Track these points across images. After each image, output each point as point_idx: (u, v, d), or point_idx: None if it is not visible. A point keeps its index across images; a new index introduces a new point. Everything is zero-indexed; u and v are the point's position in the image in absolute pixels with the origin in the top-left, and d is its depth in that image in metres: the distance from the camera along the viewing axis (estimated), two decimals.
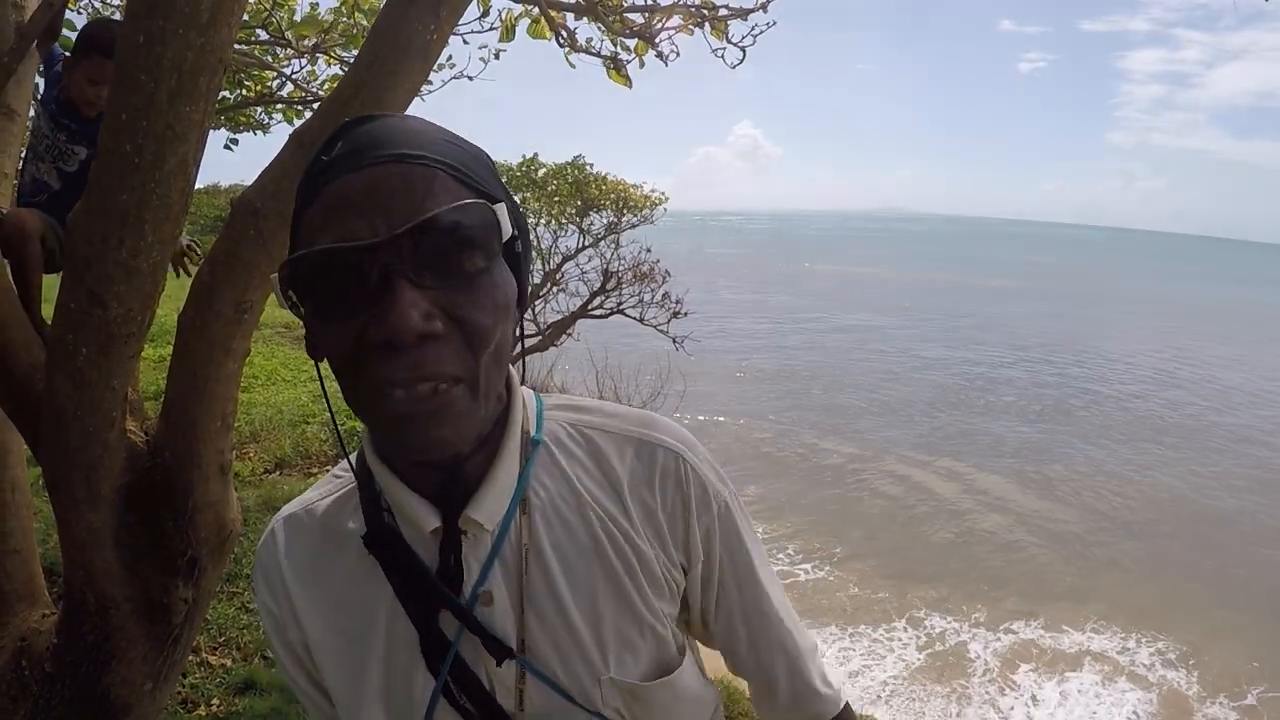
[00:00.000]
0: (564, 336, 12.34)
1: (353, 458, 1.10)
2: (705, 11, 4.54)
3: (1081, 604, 10.17)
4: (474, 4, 4.92)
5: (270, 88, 6.55)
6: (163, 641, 2.75)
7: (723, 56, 4.67)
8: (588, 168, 12.76)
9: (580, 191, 12.38)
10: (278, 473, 6.93)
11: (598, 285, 12.34)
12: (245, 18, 5.27)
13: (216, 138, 7.65)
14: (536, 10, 4.60)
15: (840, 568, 10.48)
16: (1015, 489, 14.39)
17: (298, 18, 5.70)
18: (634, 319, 12.34)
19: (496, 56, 5.88)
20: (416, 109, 6.48)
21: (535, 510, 1.03)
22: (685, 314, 12.35)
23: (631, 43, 4.70)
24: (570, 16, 4.58)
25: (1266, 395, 23.52)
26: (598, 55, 4.76)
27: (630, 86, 4.74)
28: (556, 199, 12.28)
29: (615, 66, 4.71)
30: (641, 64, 4.78)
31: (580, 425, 1.10)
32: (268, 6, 5.41)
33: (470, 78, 6.21)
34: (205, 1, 1.79)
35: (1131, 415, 20.58)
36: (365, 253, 0.82)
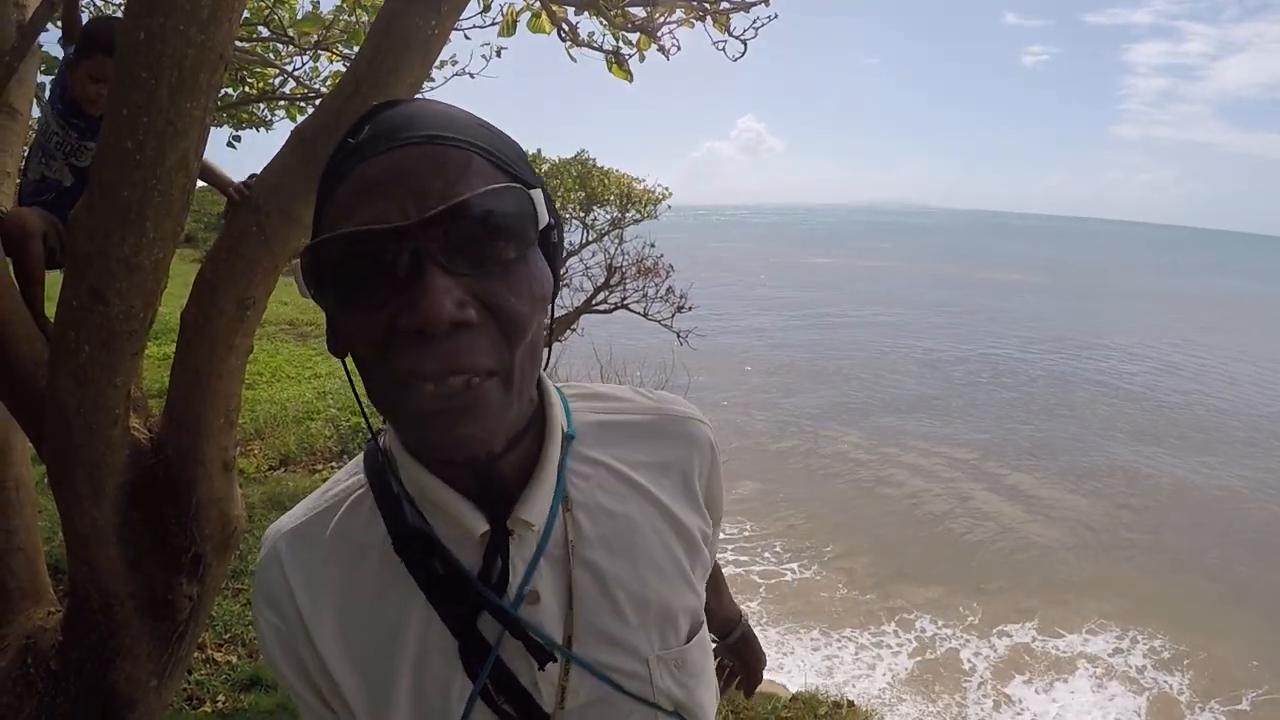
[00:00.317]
0: (568, 332, 12.33)
1: (360, 463, 1.06)
2: (707, 5, 4.53)
3: (1080, 602, 10.10)
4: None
5: (272, 84, 6.53)
6: (167, 638, 2.75)
7: (724, 50, 4.66)
8: (591, 163, 12.75)
9: (584, 186, 12.36)
10: (282, 469, 6.93)
11: (601, 280, 12.33)
12: (247, 15, 5.28)
13: (219, 135, 7.64)
14: (538, 5, 4.59)
15: (828, 567, 10.38)
16: (1015, 485, 14.35)
17: (300, 15, 5.70)
18: (638, 314, 12.32)
19: (498, 54, 5.87)
20: None
21: (576, 505, 1.00)
22: (689, 308, 12.34)
23: (633, 37, 4.69)
24: (571, 11, 4.57)
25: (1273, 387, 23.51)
26: (599, 50, 4.76)
27: (631, 80, 4.73)
28: (560, 194, 12.26)
29: (617, 61, 4.70)
30: (643, 58, 4.77)
31: (606, 413, 1.09)
32: (270, 4, 5.40)
33: (472, 75, 6.19)
34: None
35: (1137, 409, 20.55)
36: (395, 236, 0.77)
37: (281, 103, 6.80)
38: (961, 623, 9.27)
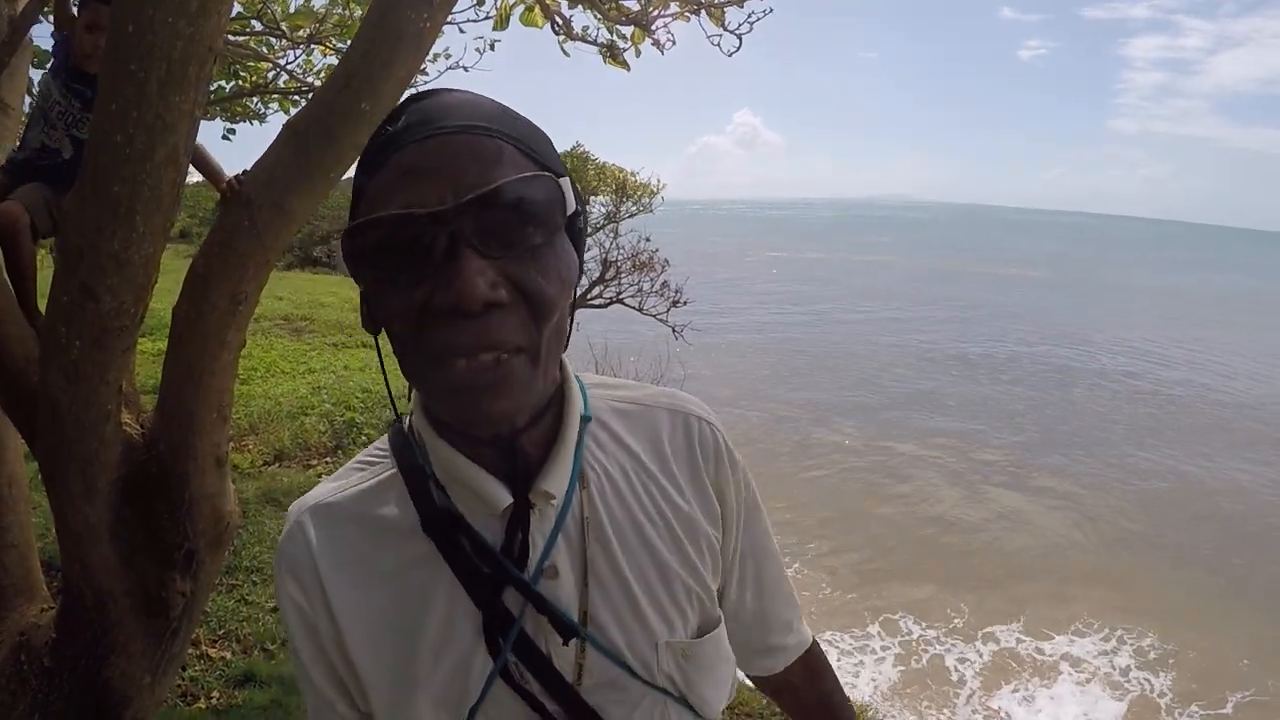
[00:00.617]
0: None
1: (384, 443, 1.09)
2: None
3: (1071, 599, 10.04)
4: None
5: (266, 78, 6.53)
6: (161, 635, 2.75)
7: (719, 44, 4.65)
8: (586, 156, 12.75)
9: (579, 177, 12.37)
10: (276, 465, 6.91)
11: (597, 275, 12.32)
12: (240, 9, 5.27)
13: (213, 129, 7.64)
14: None
15: (812, 565, 10.29)
16: (1008, 480, 14.35)
17: (292, 9, 5.68)
18: (633, 309, 12.32)
19: (492, 47, 5.84)
20: None
21: (592, 483, 1.03)
22: (685, 303, 12.32)
23: (628, 30, 4.68)
24: (565, 4, 4.56)
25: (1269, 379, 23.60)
26: (593, 44, 4.74)
27: (629, 70, 4.72)
28: None
29: (612, 54, 4.69)
30: (638, 52, 4.76)
31: (619, 400, 1.12)
32: None
33: (466, 68, 6.19)
34: None
35: (1134, 404, 20.60)
36: (432, 220, 0.81)
37: (275, 96, 6.80)
38: (947, 624, 9.18)
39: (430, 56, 6.31)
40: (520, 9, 4.73)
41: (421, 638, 0.98)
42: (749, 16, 4.56)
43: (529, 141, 0.89)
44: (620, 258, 12.28)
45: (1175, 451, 16.30)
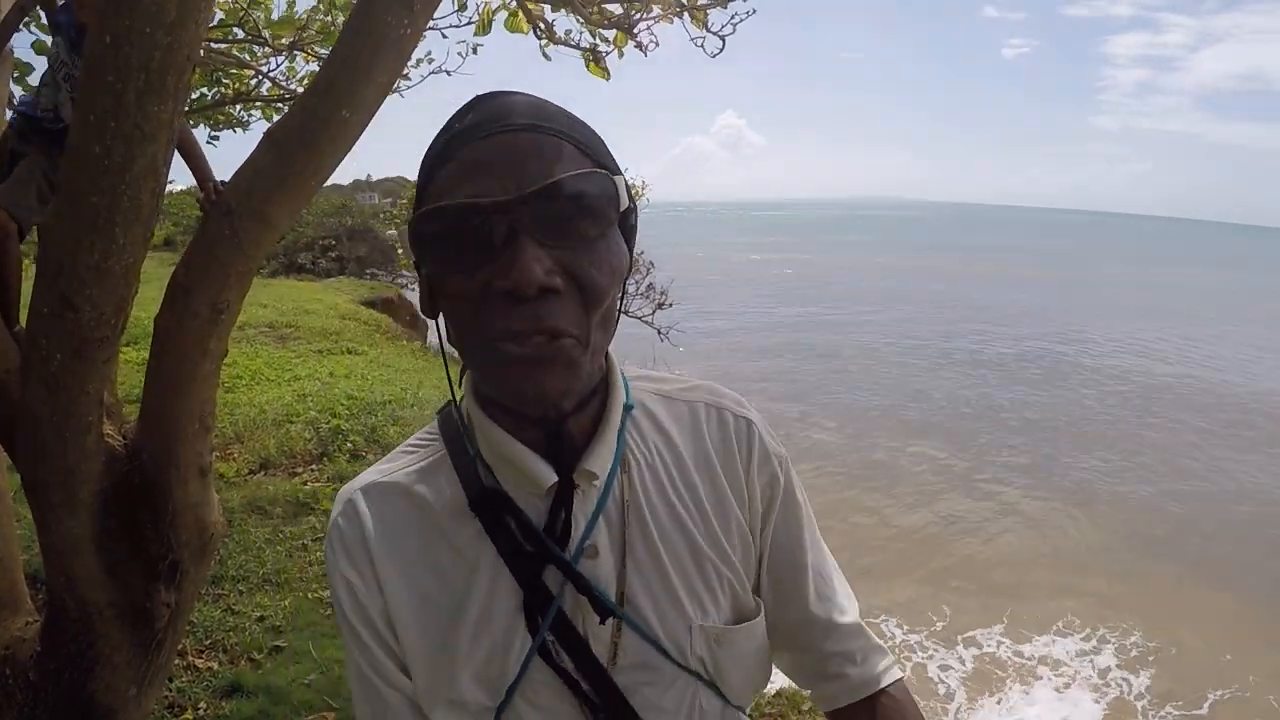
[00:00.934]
0: None
1: (434, 427, 1.14)
2: (684, 1, 4.52)
3: (1054, 596, 10.08)
4: None
5: (249, 85, 6.51)
6: (146, 646, 2.74)
7: (702, 46, 4.65)
8: None
9: None
10: (262, 473, 6.88)
11: None
12: (222, 16, 5.25)
13: (197, 136, 7.60)
14: (514, 3, 4.57)
15: None
16: (991, 477, 14.42)
17: (275, 16, 5.67)
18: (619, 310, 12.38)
19: (475, 51, 5.83)
20: (395, 105, 6.45)
21: (632, 468, 1.08)
22: (670, 305, 12.34)
23: (610, 34, 4.68)
24: (548, 8, 4.55)
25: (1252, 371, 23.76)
26: (576, 47, 4.74)
27: (608, 78, 4.72)
28: None
29: (594, 58, 4.68)
30: (621, 55, 4.75)
31: (660, 392, 1.17)
32: (244, 5, 5.37)
33: (449, 72, 6.19)
34: (172, 0, 1.77)
35: (1118, 398, 20.72)
36: (495, 209, 0.87)
37: (258, 104, 6.78)
38: (929, 628, 9.16)
39: (413, 61, 6.30)
40: (503, 14, 4.73)
41: (464, 615, 1.03)
42: (732, 18, 4.57)
43: (587, 141, 0.95)
44: None
45: (1162, 446, 16.41)
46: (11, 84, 3.48)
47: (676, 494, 1.10)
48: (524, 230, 0.86)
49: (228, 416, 7.86)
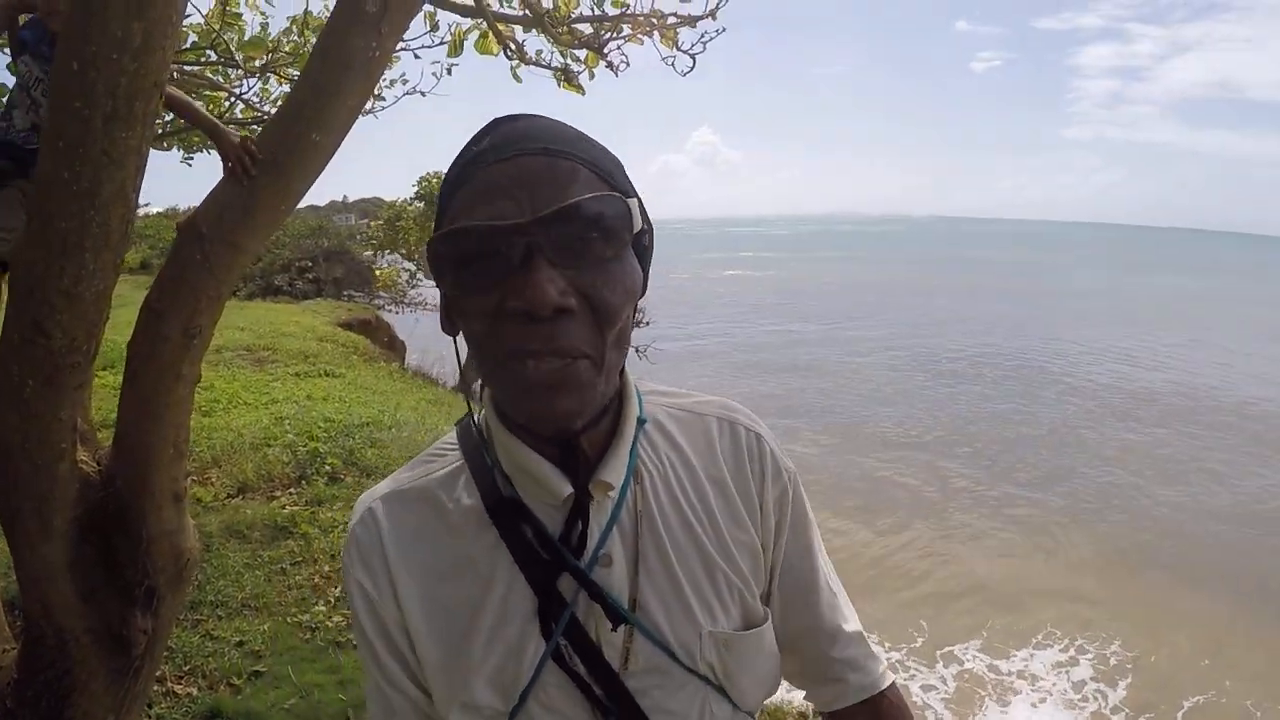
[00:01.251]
0: None
1: (452, 438, 1.17)
2: (654, 20, 4.53)
3: (1035, 607, 10.10)
4: (423, 20, 4.91)
5: (222, 107, 6.50)
6: (123, 673, 2.72)
7: (673, 65, 4.67)
8: None
9: None
10: (240, 497, 6.83)
11: None
12: (195, 38, 5.24)
13: (174, 159, 7.59)
14: (485, 24, 4.58)
15: None
16: (967, 486, 14.48)
17: (247, 37, 5.66)
18: None
19: (449, 72, 5.84)
20: (370, 126, 6.45)
21: (645, 480, 1.10)
22: (647, 323, 12.35)
23: (581, 54, 4.69)
24: (518, 30, 4.56)
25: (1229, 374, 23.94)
26: (547, 68, 4.75)
27: (583, 93, 4.74)
28: None
29: (566, 77, 4.70)
30: (592, 75, 4.77)
31: (673, 407, 1.20)
32: (216, 27, 5.36)
33: (423, 93, 6.19)
34: (138, 26, 1.78)
35: (1095, 404, 20.84)
36: (511, 231, 0.89)
37: (231, 126, 6.76)
38: (910, 644, 9.15)
39: (387, 82, 6.31)
40: (475, 35, 4.73)
41: (479, 621, 1.06)
42: (702, 37, 4.59)
43: (602, 164, 0.97)
44: None
45: (1142, 454, 16.49)
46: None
47: (689, 505, 1.12)
48: (539, 252, 0.88)
49: (205, 440, 7.82)
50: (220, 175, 2.51)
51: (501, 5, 4.56)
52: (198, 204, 2.54)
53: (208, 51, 5.57)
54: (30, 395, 2.19)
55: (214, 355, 11.67)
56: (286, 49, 5.77)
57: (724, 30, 4.56)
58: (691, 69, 4.65)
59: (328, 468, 7.38)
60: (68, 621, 2.57)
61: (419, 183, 18.98)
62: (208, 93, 6.24)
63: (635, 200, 0.98)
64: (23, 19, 2.99)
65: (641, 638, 1.06)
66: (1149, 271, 76.84)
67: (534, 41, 4.73)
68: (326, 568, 5.81)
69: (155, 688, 4.22)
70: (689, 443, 1.16)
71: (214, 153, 6.47)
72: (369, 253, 22.74)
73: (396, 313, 21.18)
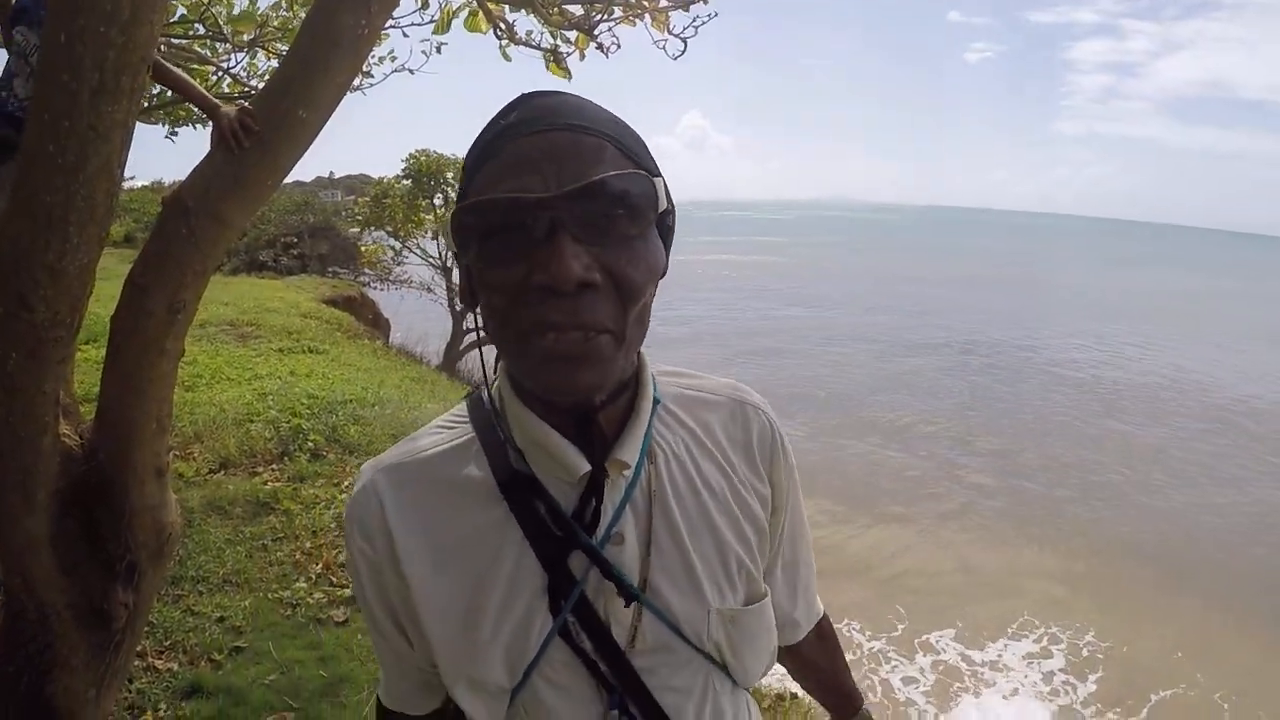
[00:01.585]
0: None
1: (462, 410, 1.18)
2: (646, 3, 4.51)
3: (1010, 598, 10.11)
4: None
5: (210, 81, 6.46)
6: (104, 648, 2.72)
7: (664, 48, 4.65)
8: None
9: None
10: (222, 472, 6.79)
11: None
12: (183, 11, 5.20)
13: (159, 133, 7.56)
14: (475, 3, 4.56)
15: None
16: (948, 476, 14.52)
17: (236, 11, 5.63)
18: None
19: (438, 50, 5.81)
20: (358, 102, 6.43)
21: (659, 459, 1.12)
22: None
23: (572, 35, 4.67)
24: (508, 8, 4.54)
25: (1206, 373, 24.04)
26: (537, 48, 4.73)
27: (570, 78, 4.71)
28: None
29: (555, 59, 4.68)
30: (582, 56, 4.74)
31: (686, 388, 1.21)
32: (205, 0, 5.33)
33: (412, 71, 6.17)
34: None
35: (1078, 394, 20.90)
36: (537, 205, 0.89)
37: (219, 100, 6.71)
38: (890, 632, 9.15)
39: (376, 59, 6.28)
40: (464, 13, 4.71)
41: (488, 595, 1.06)
42: (694, 20, 4.57)
43: (628, 142, 0.97)
44: None
45: (1125, 447, 16.56)
46: None
47: (702, 483, 1.14)
48: (564, 227, 0.89)
49: (188, 415, 7.78)
50: (206, 151, 2.50)
51: None
52: (183, 178, 2.53)
53: (196, 25, 5.53)
54: (13, 369, 2.18)
55: (198, 330, 11.61)
56: (275, 24, 5.74)
57: (716, 15, 4.55)
58: (683, 53, 4.64)
59: (310, 444, 7.36)
60: (49, 596, 2.57)
61: (407, 161, 18.87)
62: (195, 66, 6.20)
63: (660, 180, 0.98)
64: None
65: (650, 617, 1.07)
66: (1139, 265, 77.11)
67: (524, 22, 4.71)
68: (308, 544, 5.81)
69: (136, 663, 4.22)
70: (702, 424, 1.18)
71: (200, 127, 6.43)
72: (355, 229, 22.61)
73: (381, 290, 21.06)
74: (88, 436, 2.63)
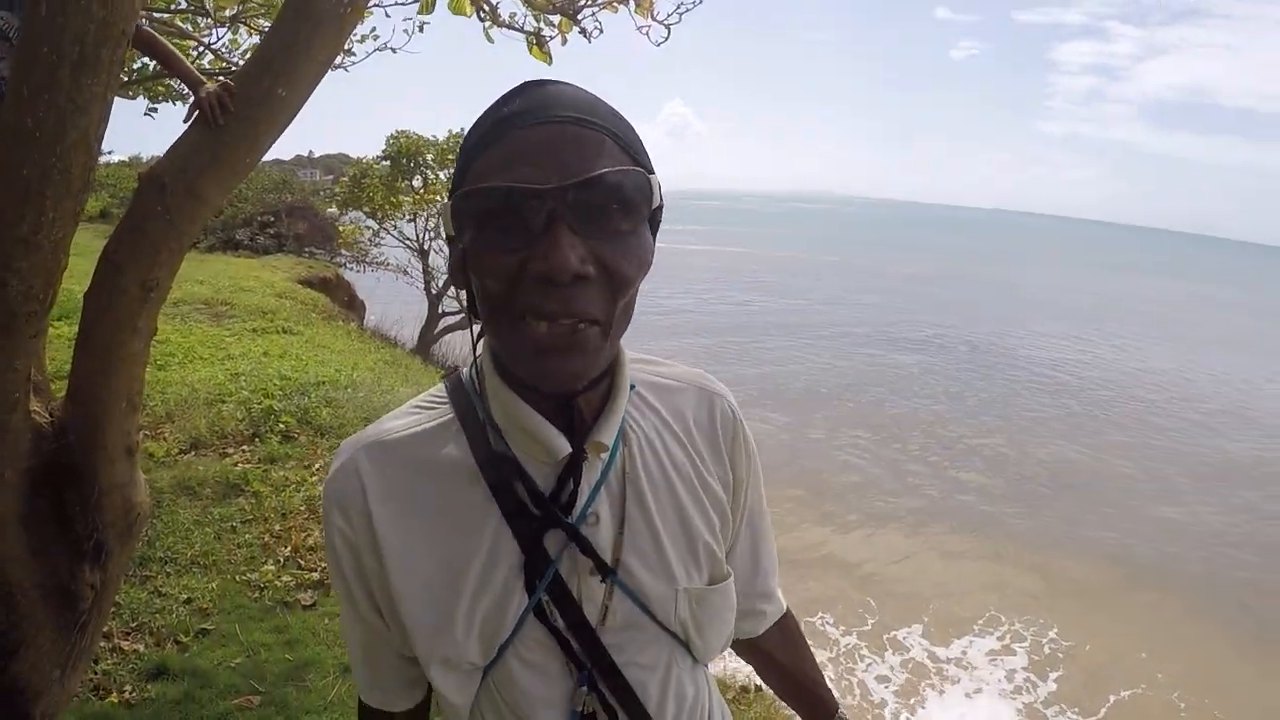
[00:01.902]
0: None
1: (440, 391, 1.20)
2: None
3: (976, 594, 10.17)
4: None
5: (191, 56, 6.41)
6: (70, 628, 2.69)
7: (648, 34, 4.64)
8: None
9: None
10: (192, 453, 6.75)
11: None
12: None
13: (137, 108, 7.52)
14: None
15: None
16: (922, 469, 14.61)
17: None
18: None
19: (421, 29, 5.79)
20: (337, 80, 6.38)
21: (633, 443, 1.16)
22: None
23: (555, 19, 4.66)
24: None
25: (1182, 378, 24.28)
26: (520, 30, 4.71)
27: (550, 63, 4.70)
28: None
29: (537, 43, 4.66)
30: (565, 41, 4.73)
31: (655, 375, 1.25)
32: None
33: (394, 50, 6.15)
34: None
35: (1052, 397, 21.05)
36: (536, 196, 0.91)
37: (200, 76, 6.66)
38: (860, 626, 9.17)
39: (358, 37, 6.25)
40: None
41: (465, 574, 1.08)
42: (678, 7, 4.57)
43: (626, 138, 1.00)
44: None
45: (1095, 445, 16.70)
46: None
47: (671, 468, 1.18)
48: (562, 218, 0.91)
49: (159, 395, 7.72)
50: (183, 129, 2.48)
51: None
52: (161, 154, 2.50)
53: None
54: None
55: (171, 309, 11.52)
56: (258, 0, 5.70)
57: (701, 2, 4.54)
58: (666, 39, 4.63)
59: (281, 426, 7.33)
60: (16, 575, 2.54)
61: (387, 142, 18.80)
62: (176, 41, 6.15)
63: (655, 177, 1.01)
64: None
65: (620, 595, 1.11)
66: (1115, 269, 77.65)
67: (509, 4, 4.69)
68: (277, 526, 5.78)
69: (102, 644, 4.20)
70: (670, 410, 1.22)
71: (180, 104, 6.37)
72: (333, 210, 22.49)
73: (358, 271, 20.98)
74: (58, 414, 2.61)
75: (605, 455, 1.11)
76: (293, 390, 8.28)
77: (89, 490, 2.61)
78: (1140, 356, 27.48)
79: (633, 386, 1.19)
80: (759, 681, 5.77)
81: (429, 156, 18.12)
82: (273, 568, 5.33)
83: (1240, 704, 8.25)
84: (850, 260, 59.68)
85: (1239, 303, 52.51)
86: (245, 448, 6.97)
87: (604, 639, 1.11)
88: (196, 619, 4.70)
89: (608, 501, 1.12)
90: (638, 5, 4.55)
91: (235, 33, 6.20)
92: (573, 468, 1.08)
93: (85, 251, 3.28)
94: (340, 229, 21.55)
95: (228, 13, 5.68)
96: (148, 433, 6.90)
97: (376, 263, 20.94)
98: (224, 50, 6.36)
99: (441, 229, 1.31)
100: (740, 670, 5.55)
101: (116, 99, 2.36)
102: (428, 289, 18.03)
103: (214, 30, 6.14)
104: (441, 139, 18.33)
